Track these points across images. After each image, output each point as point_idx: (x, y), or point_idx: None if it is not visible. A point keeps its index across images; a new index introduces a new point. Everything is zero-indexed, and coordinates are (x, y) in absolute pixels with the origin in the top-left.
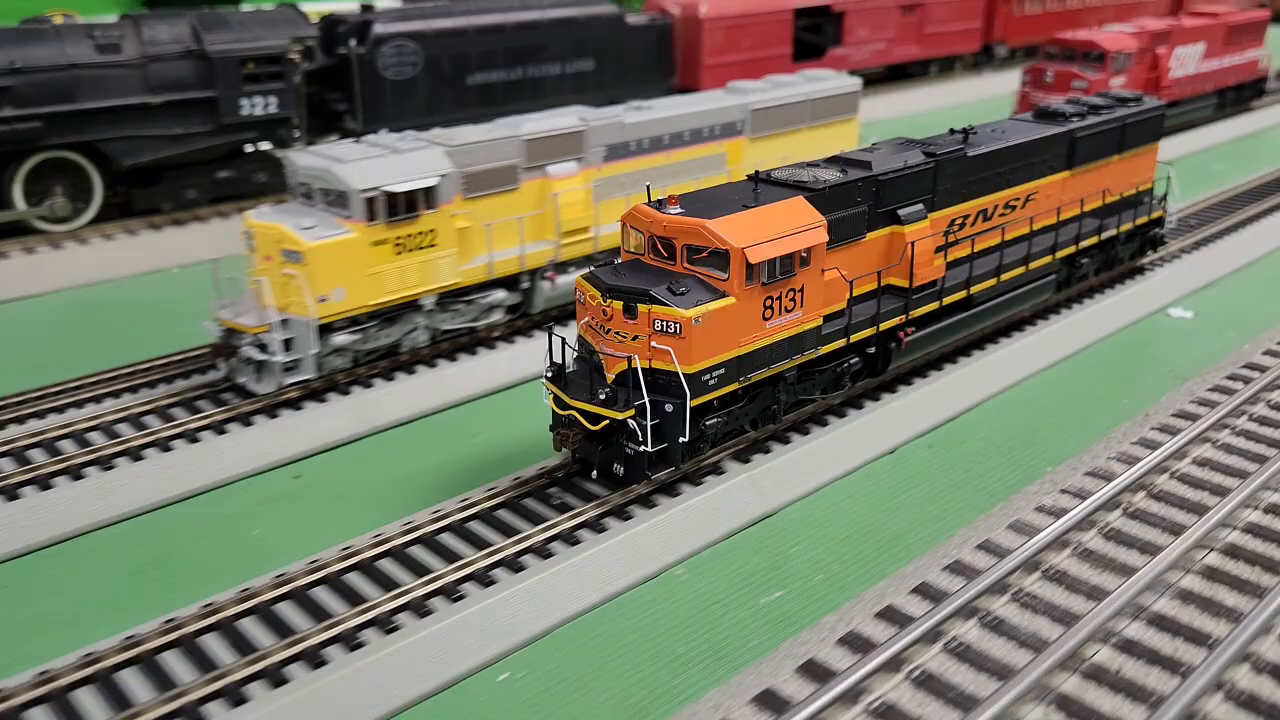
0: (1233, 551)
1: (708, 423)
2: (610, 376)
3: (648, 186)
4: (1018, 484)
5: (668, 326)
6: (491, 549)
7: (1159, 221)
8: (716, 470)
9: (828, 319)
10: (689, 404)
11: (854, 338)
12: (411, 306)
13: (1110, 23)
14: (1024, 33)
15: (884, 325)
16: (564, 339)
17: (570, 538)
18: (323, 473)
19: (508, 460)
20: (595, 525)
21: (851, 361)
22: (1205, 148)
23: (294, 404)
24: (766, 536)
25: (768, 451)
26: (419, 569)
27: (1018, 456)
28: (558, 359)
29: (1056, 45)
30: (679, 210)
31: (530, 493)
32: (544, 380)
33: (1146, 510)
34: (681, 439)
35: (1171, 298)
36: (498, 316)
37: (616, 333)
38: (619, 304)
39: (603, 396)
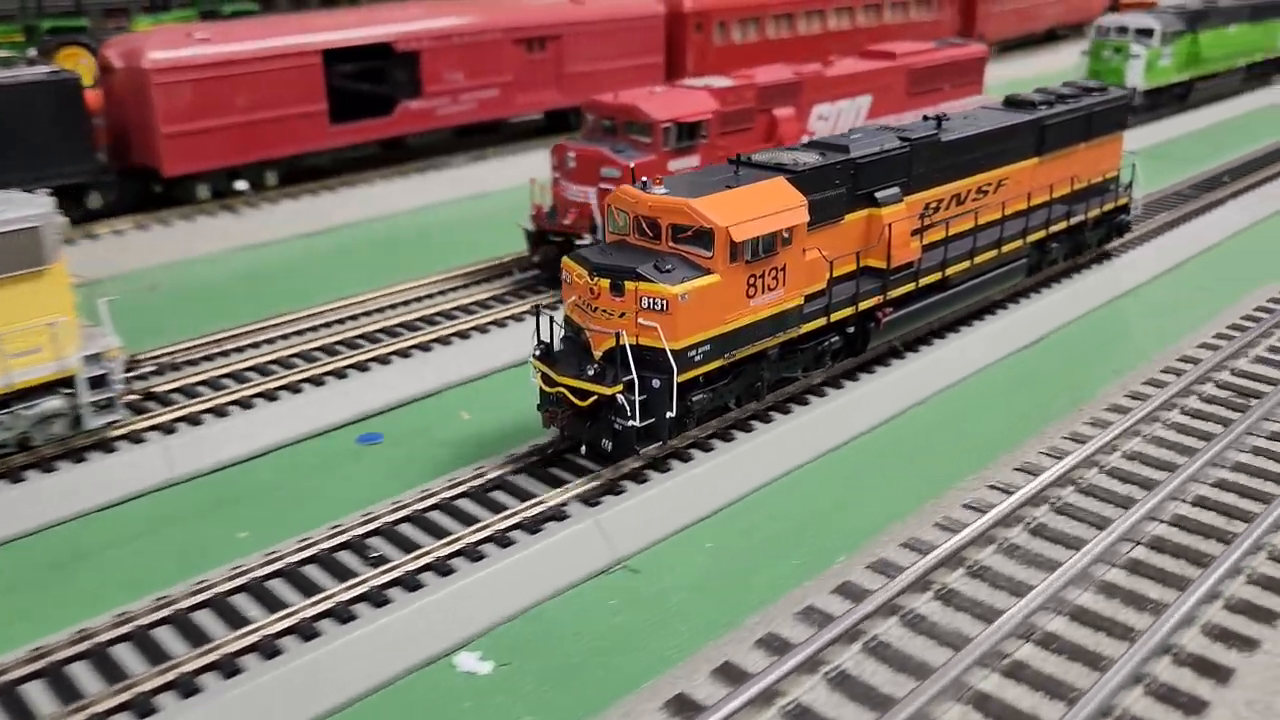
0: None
1: (694, 398)
2: (598, 354)
3: (631, 169)
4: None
5: (654, 303)
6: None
7: (1125, 208)
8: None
9: (808, 298)
10: (675, 379)
11: (834, 317)
12: None
13: (860, 54)
14: (733, 68)
15: (863, 305)
16: (552, 317)
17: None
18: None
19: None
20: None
21: (832, 340)
22: None
23: None
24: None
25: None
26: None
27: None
28: (545, 338)
29: (594, 110)
30: (663, 190)
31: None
32: (532, 359)
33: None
34: (669, 414)
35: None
36: None
37: (604, 310)
38: (606, 282)
39: (591, 373)
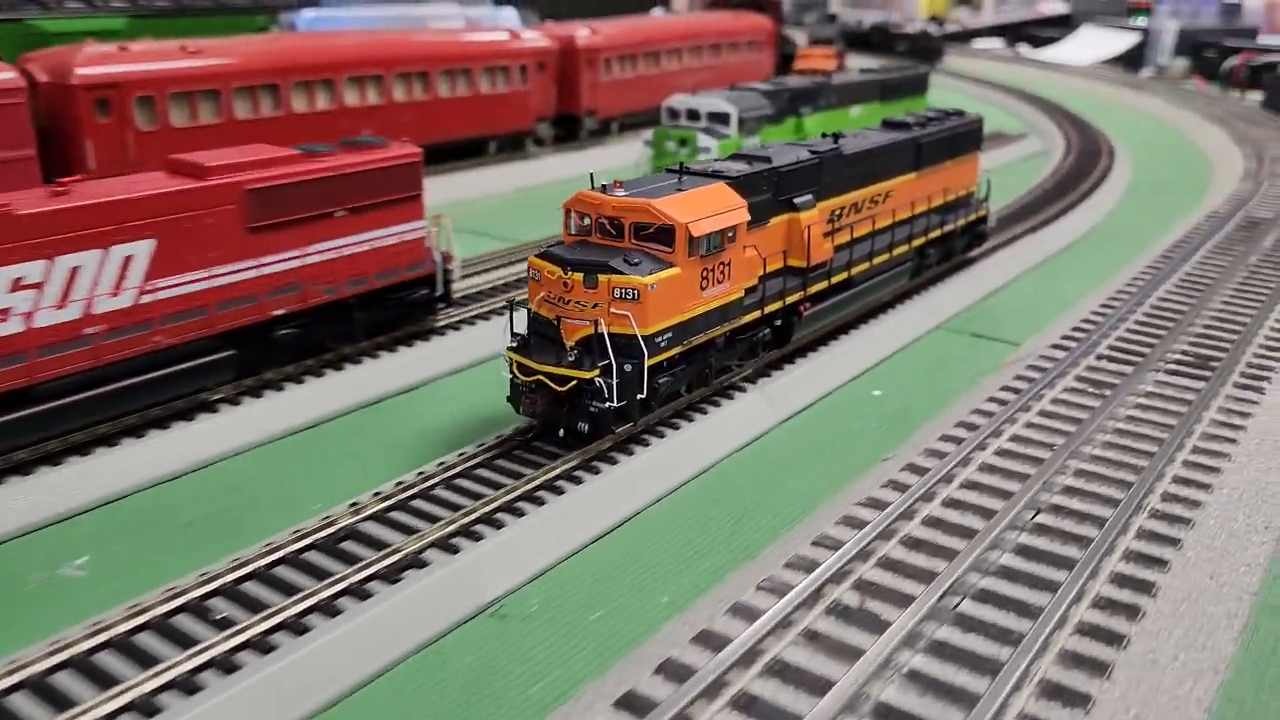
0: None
1: (660, 381)
2: (570, 342)
3: (590, 174)
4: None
5: (626, 293)
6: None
7: (984, 219)
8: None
9: (746, 292)
10: (646, 363)
11: (767, 309)
12: None
13: (163, 166)
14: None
15: (789, 299)
16: (528, 309)
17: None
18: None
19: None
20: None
21: (764, 332)
22: None
23: None
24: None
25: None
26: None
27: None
28: (520, 330)
29: None
30: (624, 193)
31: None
32: (507, 351)
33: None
34: (639, 396)
35: None
36: None
37: (577, 302)
38: (579, 275)
39: (571, 359)
